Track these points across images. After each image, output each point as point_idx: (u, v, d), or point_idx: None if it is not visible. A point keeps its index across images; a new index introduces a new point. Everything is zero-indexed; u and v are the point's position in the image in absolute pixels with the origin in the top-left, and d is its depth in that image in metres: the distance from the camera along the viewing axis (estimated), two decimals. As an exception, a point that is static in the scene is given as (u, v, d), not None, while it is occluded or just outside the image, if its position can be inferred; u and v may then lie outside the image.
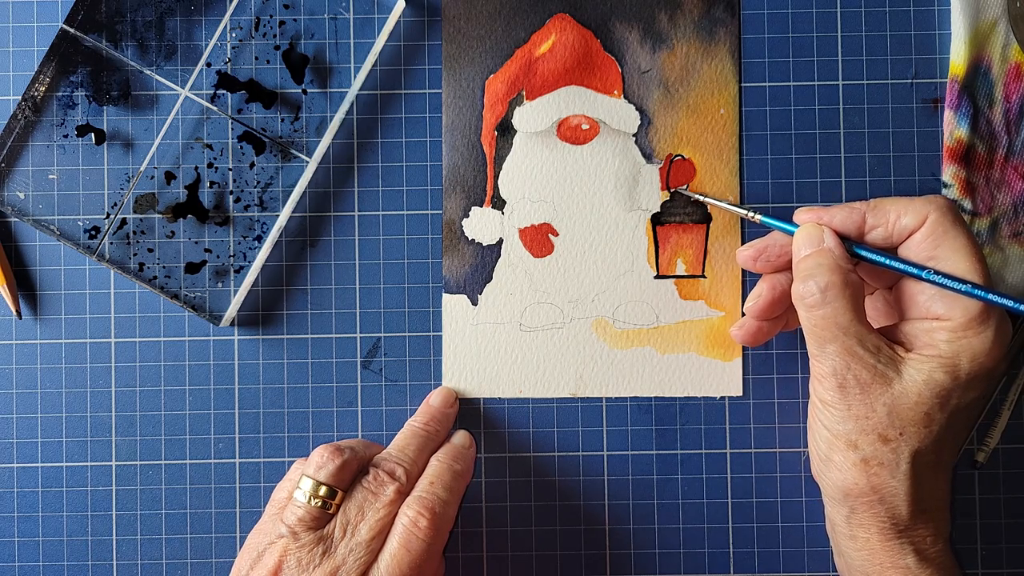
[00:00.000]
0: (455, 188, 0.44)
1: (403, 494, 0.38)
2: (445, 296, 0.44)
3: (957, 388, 0.35)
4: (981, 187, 0.43)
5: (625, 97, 0.43)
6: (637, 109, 0.43)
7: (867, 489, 0.35)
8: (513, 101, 0.44)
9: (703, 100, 0.44)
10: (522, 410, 0.44)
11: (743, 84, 0.44)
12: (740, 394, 0.44)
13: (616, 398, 0.44)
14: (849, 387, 0.35)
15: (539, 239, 0.44)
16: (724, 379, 0.43)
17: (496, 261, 0.44)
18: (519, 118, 0.43)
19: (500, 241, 0.44)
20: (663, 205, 0.44)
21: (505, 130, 0.44)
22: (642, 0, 0.43)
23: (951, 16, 0.43)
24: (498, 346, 0.43)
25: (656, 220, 0.44)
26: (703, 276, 0.44)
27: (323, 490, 0.37)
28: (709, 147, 0.43)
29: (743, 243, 0.43)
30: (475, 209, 0.44)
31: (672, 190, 0.43)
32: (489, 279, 0.44)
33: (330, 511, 0.37)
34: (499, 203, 0.44)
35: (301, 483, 0.38)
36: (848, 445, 0.35)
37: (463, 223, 0.44)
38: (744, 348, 0.44)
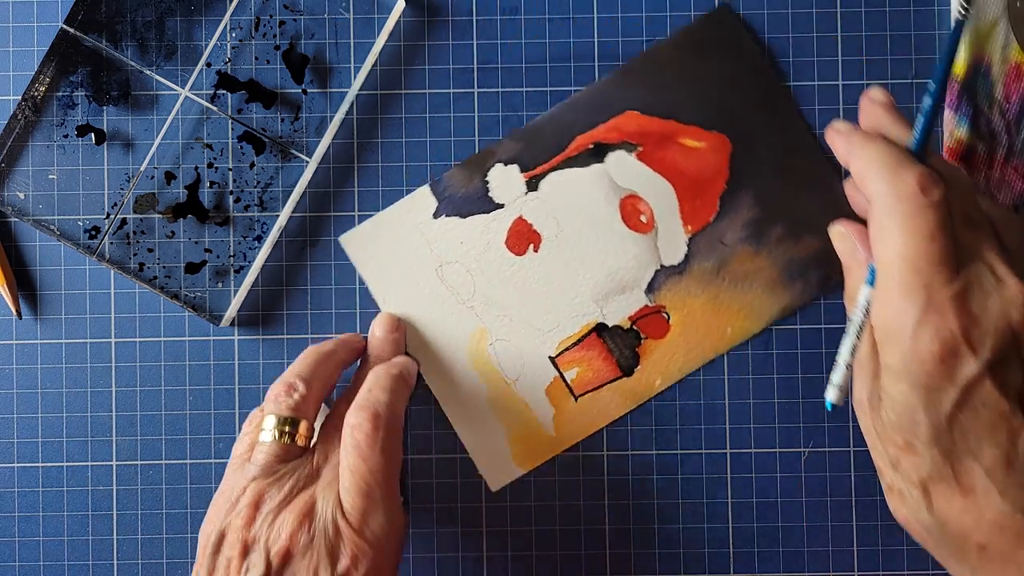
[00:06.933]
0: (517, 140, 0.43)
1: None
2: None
3: None
4: (981, 187, 0.43)
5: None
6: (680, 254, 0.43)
7: None
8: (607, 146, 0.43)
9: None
10: (522, 410, 0.44)
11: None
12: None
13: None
14: None
15: (524, 237, 0.43)
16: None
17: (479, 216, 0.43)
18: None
19: (502, 207, 0.43)
20: (615, 325, 0.43)
21: (598, 150, 0.43)
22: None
23: (951, 16, 0.43)
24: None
25: (599, 329, 0.43)
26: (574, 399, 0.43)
27: (287, 425, 0.38)
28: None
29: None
30: (499, 167, 0.43)
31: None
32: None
33: (300, 444, 0.38)
34: (534, 184, 0.43)
35: (264, 423, 0.38)
36: None
37: (491, 171, 0.43)
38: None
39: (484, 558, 0.44)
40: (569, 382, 0.43)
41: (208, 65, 0.44)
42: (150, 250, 0.44)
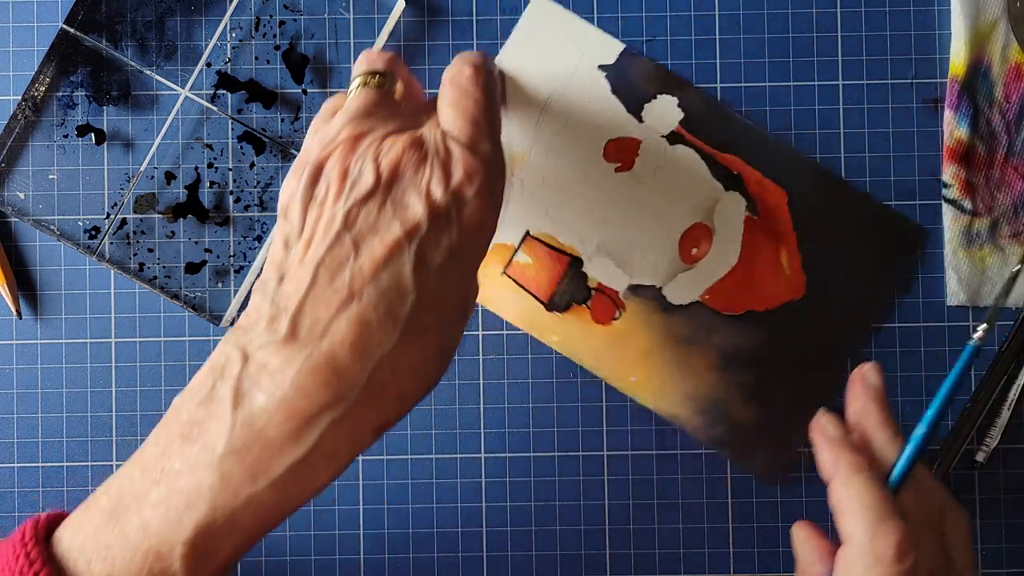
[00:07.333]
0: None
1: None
2: None
3: None
4: (981, 187, 0.43)
5: None
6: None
7: None
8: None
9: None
10: (522, 409, 0.44)
11: (744, 84, 0.44)
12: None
13: (617, 399, 0.44)
14: None
15: (622, 155, 0.43)
16: None
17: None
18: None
19: (640, 122, 0.43)
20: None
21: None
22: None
23: (951, 16, 0.43)
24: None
25: (573, 262, 0.43)
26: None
27: (377, 78, 0.34)
28: None
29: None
30: (672, 101, 0.43)
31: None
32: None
33: (395, 95, 0.34)
34: (674, 140, 0.43)
35: (353, 83, 0.34)
36: None
37: (664, 95, 0.43)
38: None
39: (484, 558, 0.44)
40: (513, 261, 0.43)
41: (208, 65, 0.44)
42: (150, 250, 0.44)
